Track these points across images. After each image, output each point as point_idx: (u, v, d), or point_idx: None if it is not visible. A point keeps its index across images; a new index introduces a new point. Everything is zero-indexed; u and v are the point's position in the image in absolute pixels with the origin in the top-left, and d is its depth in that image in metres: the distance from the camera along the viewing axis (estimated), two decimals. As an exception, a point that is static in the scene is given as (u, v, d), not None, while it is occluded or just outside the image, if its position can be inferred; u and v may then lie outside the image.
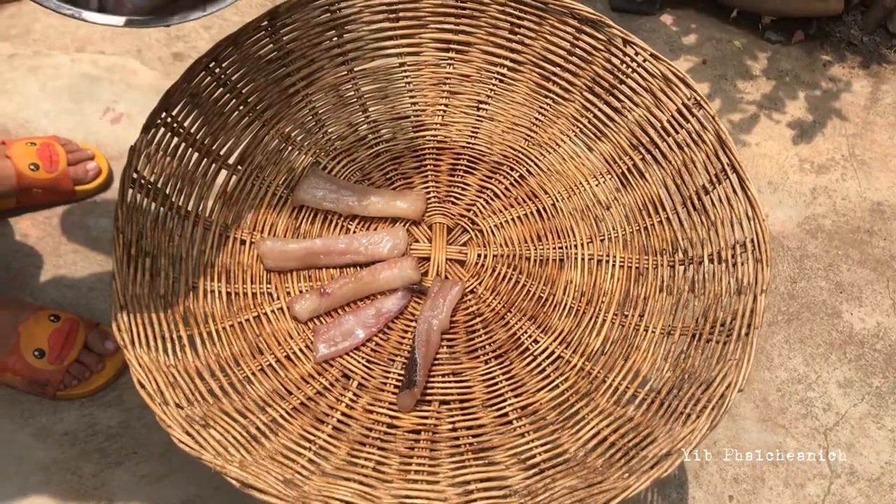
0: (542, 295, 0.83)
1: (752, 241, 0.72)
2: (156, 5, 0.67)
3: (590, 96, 0.86)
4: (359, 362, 0.79)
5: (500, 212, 0.89)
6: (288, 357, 0.78)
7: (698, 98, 0.78)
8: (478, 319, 0.83)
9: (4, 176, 1.09)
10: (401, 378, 0.78)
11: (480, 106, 0.92)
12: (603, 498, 0.60)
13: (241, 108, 0.83)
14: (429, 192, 0.90)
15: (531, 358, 0.79)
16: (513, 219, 0.88)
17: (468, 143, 0.93)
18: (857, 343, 1.15)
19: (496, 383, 0.78)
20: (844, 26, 1.52)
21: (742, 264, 0.73)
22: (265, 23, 0.81)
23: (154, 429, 1.00)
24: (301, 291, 0.82)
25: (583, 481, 0.65)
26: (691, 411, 0.66)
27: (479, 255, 0.86)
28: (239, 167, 0.84)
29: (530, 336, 0.81)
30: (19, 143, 1.11)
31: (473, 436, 0.74)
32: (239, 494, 0.95)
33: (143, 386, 0.65)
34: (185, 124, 0.79)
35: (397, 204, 0.87)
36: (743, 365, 0.66)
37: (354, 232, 0.87)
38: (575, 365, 0.78)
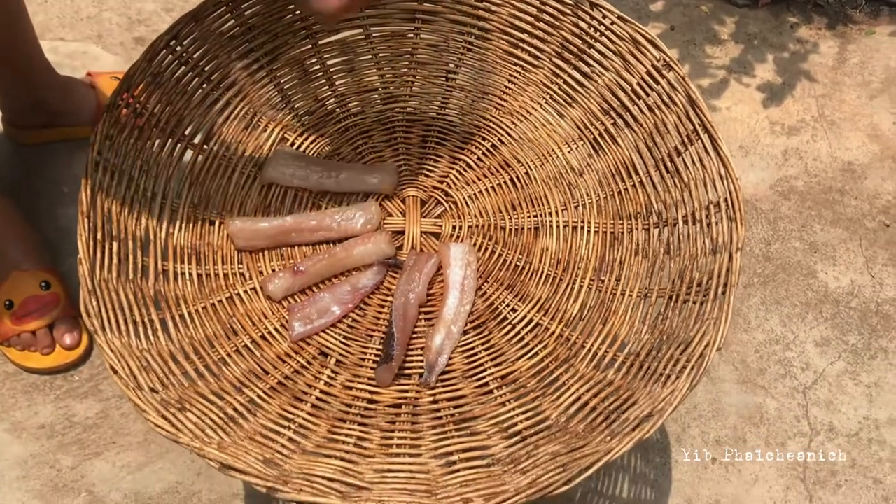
0: (518, 264, 0.83)
1: (725, 200, 0.72)
2: None
3: (559, 62, 0.85)
4: (336, 339, 0.78)
5: (474, 182, 0.88)
6: (263, 337, 0.77)
7: (668, 59, 0.77)
8: (455, 291, 0.82)
9: (88, 104, 1.16)
10: (379, 353, 0.77)
11: (449, 76, 0.91)
12: (586, 462, 0.59)
13: (204, 86, 0.81)
14: (400, 165, 0.89)
15: (509, 327, 0.79)
16: (486, 189, 0.87)
17: (438, 113, 0.91)
18: (832, 302, 1.16)
19: (475, 354, 0.78)
20: (810, -12, 1.52)
21: (716, 224, 0.73)
22: (226, -3, 0.79)
23: (133, 418, 0.99)
24: (274, 270, 0.81)
25: (565, 446, 0.65)
26: (671, 372, 0.66)
27: (453, 227, 0.85)
28: (205, 147, 0.83)
29: (508, 305, 0.80)
30: (104, 76, 1.20)
31: (454, 407, 0.74)
32: (219, 480, 0.96)
33: (115, 371, 0.63)
34: (148, 105, 0.77)
35: (368, 178, 0.86)
36: (720, 324, 0.66)
37: (326, 208, 0.85)
38: (553, 332, 0.78)
